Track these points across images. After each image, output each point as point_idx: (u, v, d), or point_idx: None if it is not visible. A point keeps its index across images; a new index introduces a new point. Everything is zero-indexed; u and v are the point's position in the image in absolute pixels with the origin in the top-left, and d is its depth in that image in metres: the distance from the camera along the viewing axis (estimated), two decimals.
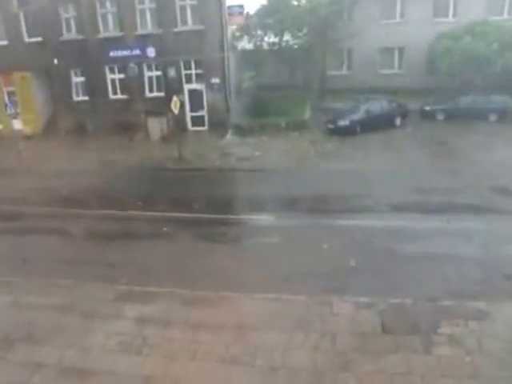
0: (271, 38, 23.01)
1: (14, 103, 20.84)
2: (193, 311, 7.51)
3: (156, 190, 15.12)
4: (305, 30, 22.33)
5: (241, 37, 23.07)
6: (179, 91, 20.90)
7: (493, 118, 20.59)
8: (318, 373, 6.00)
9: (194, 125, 22.10)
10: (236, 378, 5.99)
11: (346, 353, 6.30)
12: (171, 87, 21.32)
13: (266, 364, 6.19)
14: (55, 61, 22.13)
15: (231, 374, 6.03)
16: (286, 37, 22.86)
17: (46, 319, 7.49)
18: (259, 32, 22.81)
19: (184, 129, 21.33)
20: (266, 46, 23.13)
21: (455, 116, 20.51)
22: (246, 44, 23.53)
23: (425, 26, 23.18)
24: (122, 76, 22.39)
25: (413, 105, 21.53)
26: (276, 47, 22.89)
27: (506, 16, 23.24)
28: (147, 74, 22.14)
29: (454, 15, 23.75)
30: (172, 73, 21.46)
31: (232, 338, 6.74)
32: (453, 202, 12.56)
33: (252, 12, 23.76)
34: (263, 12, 23.15)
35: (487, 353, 6.12)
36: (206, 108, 21.89)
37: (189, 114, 22.02)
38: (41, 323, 7.39)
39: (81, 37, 22.01)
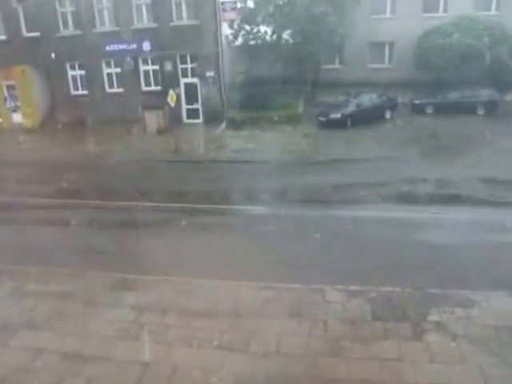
0: (267, 33, 23.29)
1: (13, 97, 21.18)
2: (189, 298, 7.64)
3: (153, 182, 15.36)
4: (300, 25, 22.62)
5: (235, 31, 23.40)
6: (175, 85, 21.33)
7: (480, 111, 21.12)
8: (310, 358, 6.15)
9: (189, 117, 22.54)
10: (231, 363, 6.09)
11: (337, 339, 6.46)
12: (167, 81, 21.73)
13: (260, 350, 6.33)
14: (53, 55, 22.39)
15: (226, 360, 6.15)
16: (282, 31, 23.17)
17: (46, 306, 7.58)
18: (254, 26, 23.09)
19: (179, 121, 21.79)
20: (260, 41, 23.42)
21: (444, 109, 20.99)
22: (240, 38, 23.83)
23: (415, 20, 23.46)
24: (118, 70, 22.74)
25: (402, 98, 22.05)
26: (270, 42, 23.19)
27: (493, 11, 23.64)
28: (143, 67, 22.52)
29: (444, 10, 24.14)
30: (168, 67, 21.85)
31: (227, 324, 6.87)
32: (441, 193, 12.92)
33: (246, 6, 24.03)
34: (258, 6, 23.43)
35: (474, 340, 6.26)
36: (200, 101, 22.36)
37: (184, 107, 22.46)
38: (42, 310, 7.48)
39: (78, 31, 22.31)
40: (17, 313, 7.50)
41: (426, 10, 24.20)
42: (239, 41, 23.69)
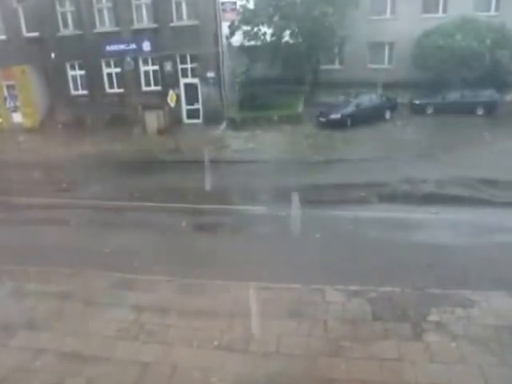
0: (266, 34, 23.28)
1: (13, 97, 21.16)
2: (189, 299, 7.65)
3: (153, 182, 15.41)
4: (298, 25, 22.65)
5: (235, 31, 23.42)
6: (175, 85, 21.34)
7: (480, 111, 21.19)
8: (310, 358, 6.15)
9: (189, 118, 22.56)
10: (231, 363, 6.10)
11: (337, 339, 6.46)
12: (167, 81, 21.74)
13: (260, 350, 6.33)
14: (52, 55, 22.39)
15: (226, 360, 6.16)
16: (282, 32, 23.17)
17: (46, 306, 7.59)
18: (254, 27, 23.11)
19: (180, 122, 21.80)
20: (260, 41, 23.43)
21: (444, 110, 21.03)
22: (240, 39, 23.83)
23: (415, 21, 23.50)
24: (118, 70, 22.75)
25: (402, 99, 22.05)
26: (270, 42, 23.19)
27: (492, 12, 23.67)
28: (143, 68, 22.53)
29: (444, 11, 24.17)
30: (168, 67, 21.87)
31: (227, 324, 6.88)
32: (441, 194, 12.93)
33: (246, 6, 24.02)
34: (258, 7, 23.46)
35: (474, 340, 6.26)
36: (201, 101, 22.38)
37: (184, 108, 22.48)
38: (41, 310, 7.49)
39: (78, 31, 22.32)
40: (17, 313, 7.50)
41: (425, 10, 24.24)
42: (239, 41, 23.68)
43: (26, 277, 8.64)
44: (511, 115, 20.33)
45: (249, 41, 23.21)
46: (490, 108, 21.09)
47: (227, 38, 23.15)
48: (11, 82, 22.76)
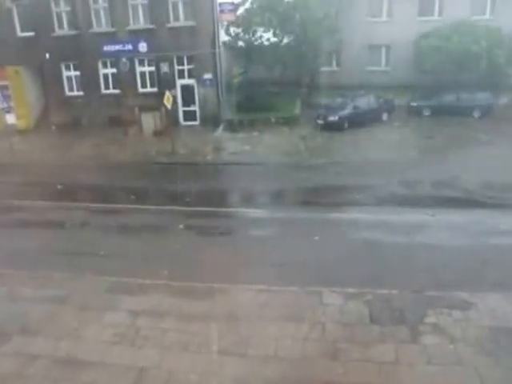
0: (263, 37, 23.26)
1: (6, 98, 20.93)
2: (185, 303, 7.61)
3: (149, 184, 15.35)
4: (296, 28, 22.66)
5: (234, 34, 23.40)
6: (172, 86, 21.25)
7: (476, 114, 21.19)
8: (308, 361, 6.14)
9: (186, 119, 22.43)
10: (228, 368, 6.06)
11: (334, 342, 6.45)
12: (164, 82, 21.62)
13: (258, 354, 6.30)
14: (47, 55, 22.20)
15: (224, 365, 6.12)
16: (277, 33, 23.16)
17: (40, 311, 7.52)
18: (251, 29, 23.07)
19: (176, 123, 21.70)
20: (257, 44, 23.39)
21: (441, 112, 21.05)
22: (237, 40, 23.80)
23: (411, 24, 23.58)
24: (114, 71, 22.60)
25: (399, 101, 22.05)
26: (268, 44, 23.15)
27: (488, 16, 23.75)
28: (139, 69, 22.35)
29: (440, 14, 24.25)
30: (165, 68, 21.74)
31: (224, 328, 6.84)
32: (437, 196, 12.99)
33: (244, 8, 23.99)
34: (255, 9, 23.45)
35: (471, 342, 6.30)
36: (197, 103, 22.30)
37: (181, 109, 22.35)
38: (35, 315, 7.42)
39: (73, 32, 22.07)
40: (10, 318, 7.40)
41: (421, 13, 24.31)
42: (236, 43, 23.64)
43: (20, 281, 8.58)
44: (506, 118, 20.36)
45: (246, 43, 23.16)
46: (486, 110, 21.13)
47: (225, 40, 23.06)
48: (5, 83, 22.40)
